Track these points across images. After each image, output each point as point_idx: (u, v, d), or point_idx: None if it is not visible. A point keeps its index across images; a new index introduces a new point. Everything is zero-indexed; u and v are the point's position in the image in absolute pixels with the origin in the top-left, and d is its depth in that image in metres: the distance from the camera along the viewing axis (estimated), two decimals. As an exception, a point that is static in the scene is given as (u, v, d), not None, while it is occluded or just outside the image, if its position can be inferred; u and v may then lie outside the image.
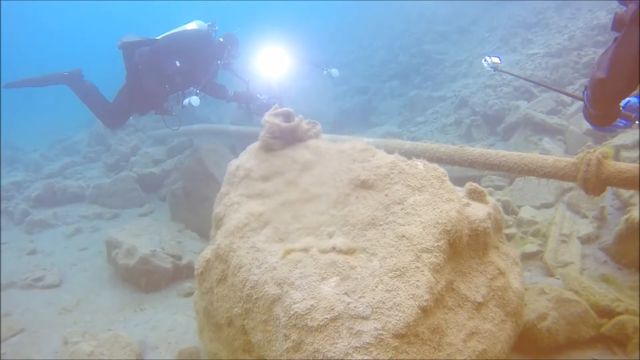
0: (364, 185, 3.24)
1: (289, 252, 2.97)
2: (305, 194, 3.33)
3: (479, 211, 3.30)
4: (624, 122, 3.06)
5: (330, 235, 3.05)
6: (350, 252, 2.92)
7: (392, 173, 3.27)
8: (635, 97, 3.03)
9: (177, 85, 7.24)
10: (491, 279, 3.22)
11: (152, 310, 5.55)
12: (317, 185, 3.36)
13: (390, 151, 5.56)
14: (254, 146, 3.81)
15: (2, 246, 7.56)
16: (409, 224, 2.98)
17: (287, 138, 3.69)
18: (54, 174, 10.85)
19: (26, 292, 6.14)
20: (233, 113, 11.56)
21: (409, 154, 5.22)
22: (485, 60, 4.61)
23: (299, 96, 11.36)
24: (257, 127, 8.87)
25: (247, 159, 3.75)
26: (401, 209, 3.08)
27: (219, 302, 3.35)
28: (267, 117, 3.68)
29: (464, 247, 3.11)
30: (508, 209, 6.32)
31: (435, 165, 3.32)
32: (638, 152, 5.88)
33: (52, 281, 6.32)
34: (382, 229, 3.02)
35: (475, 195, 3.47)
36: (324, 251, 2.92)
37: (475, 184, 3.51)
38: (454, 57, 13.44)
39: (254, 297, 2.93)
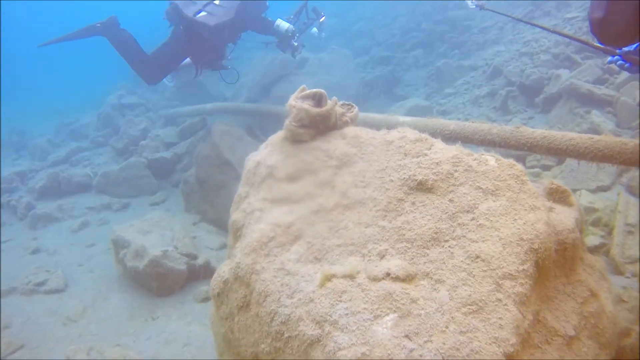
0: (422, 187, 2.54)
1: (328, 278, 2.31)
2: (344, 199, 2.64)
3: (565, 218, 2.59)
4: None
5: (382, 256, 2.37)
6: (409, 278, 2.25)
7: (456, 171, 2.56)
8: None
9: (227, 37, 7.31)
10: (582, 303, 2.53)
11: (165, 319, 4.97)
12: (359, 187, 2.66)
13: (432, 133, 4.85)
14: (277, 137, 3.11)
15: (3, 245, 7.01)
16: (483, 240, 2.30)
17: (318, 126, 2.99)
18: (60, 161, 10.23)
19: (28, 298, 5.59)
20: (249, 88, 10.89)
21: (454, 137, 4.52)
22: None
23: (318, 68, 10.63)
24: (274, 106, 8.25)
25: (269, 153, 3.06)
26: (472, 220, 2.38)
27: (241, 332, 2.71)
28: (293, 101, 2.97)
29: (551, 265, 2.42)
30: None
31: (512, 160, 2.60)
32: None
33: (56, 285, 5.76)
34: (449, 246, 2.34)
35: (558, 196, 2.76)
36: (375, 278, 2.25)
37: (558, 182, 2.79)
38: (481, 23, 12.52)
39: (286, 335, 2.29)
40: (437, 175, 2.54)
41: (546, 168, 6.18)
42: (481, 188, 2.48)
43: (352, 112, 3.20)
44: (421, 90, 11.37)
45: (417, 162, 2.61)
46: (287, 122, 2.96)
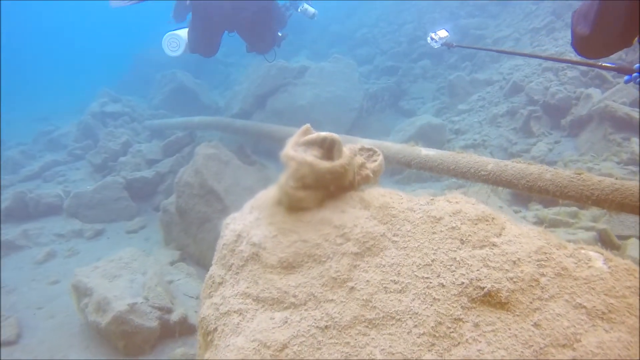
0: (490, 300, 1.63)
1: None
2: (368, 310, 1.73)
3: None
4: None
5: (429, 418, 1.47)
6: None
7: (543, 275, 1.65)
8: None
9: None
10: None
11: (132, 390, 4.04)
12: (391, 291, 1.75)
13: (463, 173, 3.96)
14: (268, 198, 2.19)
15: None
16: (595, 402, 1.40)
17: (327, 187, 2.08)
18: (32, 176, 9.25)
19: (-28, 353, 4.67)
20: (242, 98, 10.03)
21: (493, 181, 3.62)
22: (432, 39, 3.99)
23: (319, 78, 9.76)
24: (269, 125, 7.34)
25: (255, 222, 2.14)
26: (573, 362, 1.48)
27: None
28: (291, 150, 2.04)
29: None
30: (607, 242, 4.75)
31: (630, 262, 1.69)
32: None
33: (7, 336, 4.87)
34: (538, 406, 1.44)
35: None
36: None
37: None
38: (495, 33, 11.67)
39: None
40: (514, 282, 1.64)
41: (584, 206, 5.30)
42: (584, 307, 1.58)
43: (376, 161, 2.30)
44: (429, 105, 10.52)
45: (483, 258, 1.71)
46: (282, 179, 2.04)
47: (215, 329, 1.99)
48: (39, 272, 6.25)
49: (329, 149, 2.08)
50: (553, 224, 5.00)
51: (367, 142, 4.94)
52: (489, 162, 3.63)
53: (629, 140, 6.27)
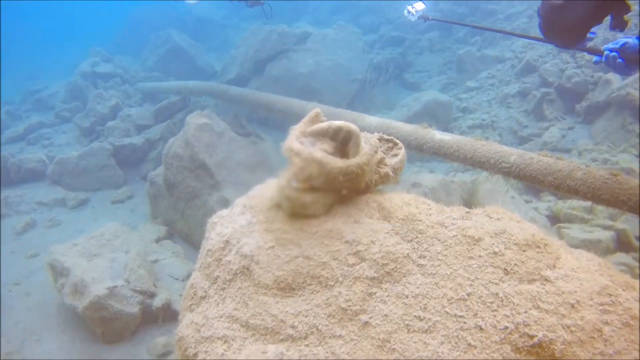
0: (540, 352, 1.30)
1: None
2: (385, 353, 1.40)
3: None
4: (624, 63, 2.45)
5: None
6: None
7: (606, 325, 1.31)
8: (634, 37, 2.44)
9: None
10: None
11: (112, 378, 3.74)
12: (415, 330, 1.41)
13: (482, 164, 3.60)
14: (265, 199, 1.81)
15: None
16: None
17: (339, 189, 1.71)
18: (16, 138, 8.83)
19: (-56, 333, 4.35)
20: (240, 63, 9.60)
21: (515, 175, 3.26)
22: (409, 12, 4.03)
23: (322, 45, 9.34)
24: (267, 94, 6.90)
25: (247, 226, 1.77)
26: None
27: None
28: (296, 142, 1.63)
29: None
30: (626, 243, 4.45)
31: None
32: None
33: (-21, 317, 4.51)
34: None
35: None
36: None
37: None
38: (508, 9, 11.18)
39: None
40: (572, 331, 1.29)
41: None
42: (663, 368, 1.24)
43: (397, 156, 1.93)
44: (435, 79, 10.11)
45: (532, 296, 1.36)
46: (283, 179, 1.65)
47: (196, 355, 1.65)
48: (18, 244, 5.89)
49: (343, 142, 1.70)
50: (568, 219, 4.68)
51: (374, 121, 4.56)
52: (512, 154, 3.27)
53: (649, 130, 5.93)
